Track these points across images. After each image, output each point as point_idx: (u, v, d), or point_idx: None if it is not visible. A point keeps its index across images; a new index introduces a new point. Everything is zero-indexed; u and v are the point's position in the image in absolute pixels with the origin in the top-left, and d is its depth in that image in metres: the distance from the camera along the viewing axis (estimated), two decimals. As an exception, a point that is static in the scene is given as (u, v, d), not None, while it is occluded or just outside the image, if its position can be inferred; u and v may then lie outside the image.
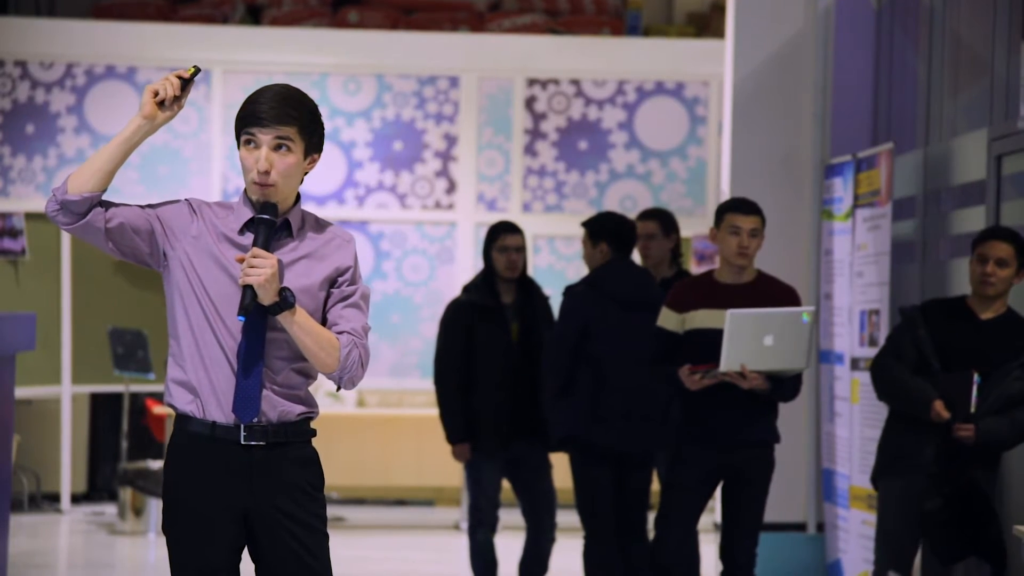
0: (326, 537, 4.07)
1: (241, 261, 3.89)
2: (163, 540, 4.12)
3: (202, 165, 12.51)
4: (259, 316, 3.92)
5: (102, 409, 12.74)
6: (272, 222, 3.94)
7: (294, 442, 4.01)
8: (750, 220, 6.45)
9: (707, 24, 13.50)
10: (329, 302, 4.04)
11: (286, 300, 3.88)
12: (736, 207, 6.48)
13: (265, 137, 3.93)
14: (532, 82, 12.78)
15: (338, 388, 4.06)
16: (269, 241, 3.93)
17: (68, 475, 11.99)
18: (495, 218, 12.65)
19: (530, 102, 12.77)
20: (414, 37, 12.77)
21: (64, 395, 11.94)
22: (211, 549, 3.97)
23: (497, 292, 7.48)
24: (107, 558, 10.20)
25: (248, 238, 3.97)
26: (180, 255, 3.96)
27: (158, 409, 11.64)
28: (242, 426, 3.94)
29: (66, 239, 11.92)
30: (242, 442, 3.95)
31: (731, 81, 8.77)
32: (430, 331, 12.41)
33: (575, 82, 12.78)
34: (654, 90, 12.81)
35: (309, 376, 4.05)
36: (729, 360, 6.23)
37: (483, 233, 7.68)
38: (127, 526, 10.83)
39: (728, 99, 8.84)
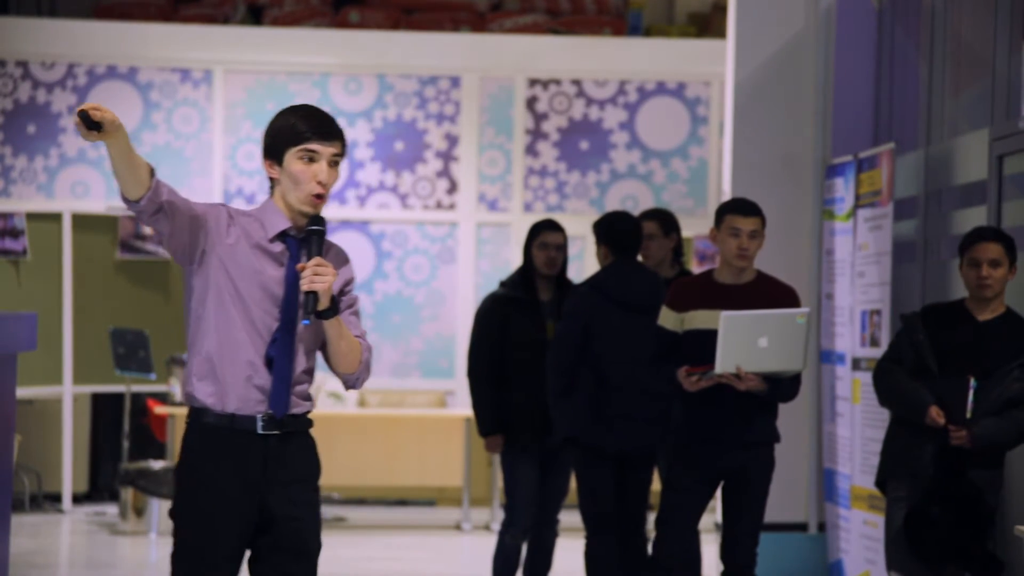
0: (320, 520, 4.36)
1: (302, 269, 4.15)
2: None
3: (203, 165, 12.52)
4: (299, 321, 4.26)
5: (103, 409, 12.74)
6: (324, 232, 4.22)
7: (301, 432, 4.30)
8: (750, 221, 6.42)
9: (708, 24, 13.50)
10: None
11: (336, 305, 4.19)
12: (736, 208, 6.46)
13: (326, 152, 4.20)
14: (533, 82, 12.78)
15: (348, 388, 4.38)
16: (321, 250, 4.20)
17: (69, 475, 11.99)
18: (496, 218, 12.67)
19: (531, 102, 12.77)
20: (415, 37, 12.78)
21: (65, 395, 11.94)
22: (229, 536, 4.22)
23: (534, 288, 7.50)
24: (108, 558, 10.20)
25: (278, 246, 4.23)
26: (216, 257, 4.20)
27: (159, 409, 11.65)
28: (259, 417, 4.21)
29: (67, 239, 11.93)
30: (260, 431, 4.21)
31: (732, 81, 8.77)
32: (431, 331, 12.41)
33: (576, 82, 12.79)
34: (655, 90, 12.81)
35: (312, 376, 4.34)
36: (724, 362, 6.22)
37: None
38: (128, 526, 10.83)
39: (729, 99, 8.84)
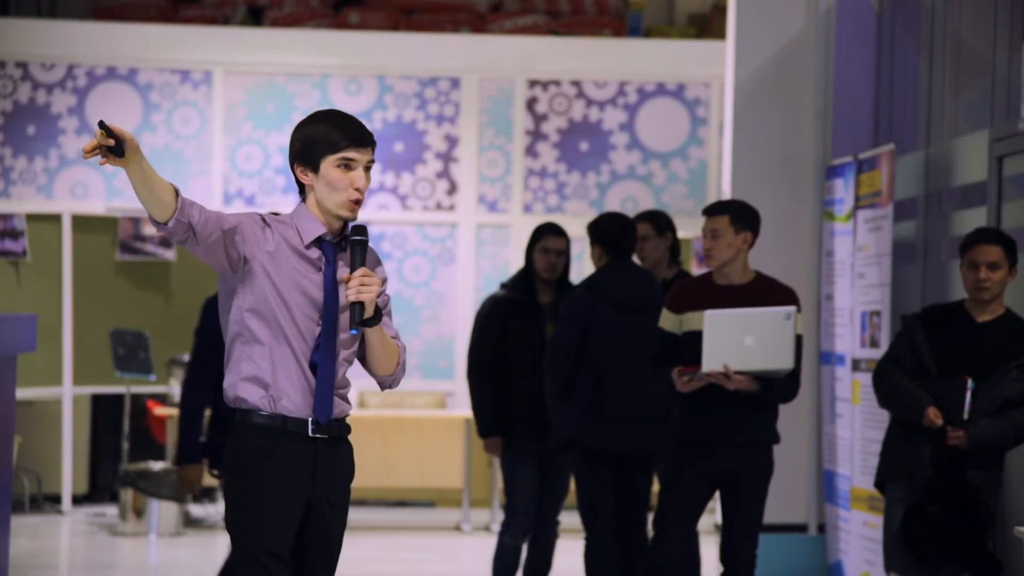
0: (345, 524, 4.45)
1: (347, 280, 4.26)
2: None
3: (203, 166, 12.51)
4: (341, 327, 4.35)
5: (103, 410, 12.74)
6: (366, 242, 4.32)
7: (344, 436, 4.40)
8: (710, 221, 6.46)
9: (708, 25, 13.50)
10: None
11: (380, 313, 4.33)
12: (705, 209, 6.54)
13: (364, 158, 4.30)
14: (533, 83, 12.78)
15: (384, 388, 4.48)
16: (364, 259, 4.31)
17: (69, 476, 11.99)
18: (496, 219, 12.67)
19: (531, 103, 12.77)
20: (415, 38, 12.78)
21: (65, 396, 11.94)
22: (286, 533, 4.27)
23: (534, 291, 7.52)
24: (108, 559, 10.20)
25: (315, 252, 4.30)
26: (259, 264, 4.26)
27: (159, 410, 11.65)
28: (309, 420, 4.29)
29: (67, 240, 11.93)
30: (310, 434, 4.29)
31: (732, 82, 8.77)
32: (431, 332, 12.41)
33: (576, 83, 12.79)
34: (655, 91, 12.81)
35: (349, 380, 4.46)
36: (709, 361, 6.21)
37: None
38: (128, 527, 10.83)
39: (729, 100, 8.84)
